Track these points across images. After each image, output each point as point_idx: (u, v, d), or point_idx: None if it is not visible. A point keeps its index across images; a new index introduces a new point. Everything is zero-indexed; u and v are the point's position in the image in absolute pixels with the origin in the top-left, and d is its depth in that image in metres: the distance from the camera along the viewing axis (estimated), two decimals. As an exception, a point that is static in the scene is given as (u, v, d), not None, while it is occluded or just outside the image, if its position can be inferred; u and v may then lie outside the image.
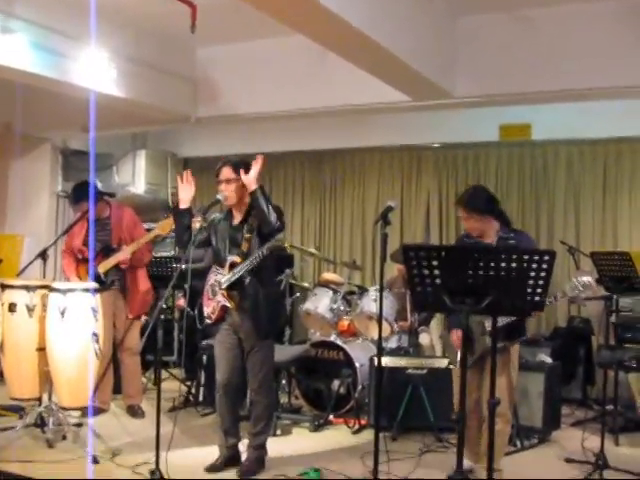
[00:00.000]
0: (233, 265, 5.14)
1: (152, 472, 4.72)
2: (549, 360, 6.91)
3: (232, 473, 5.25)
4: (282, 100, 7.38)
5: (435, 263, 3.64)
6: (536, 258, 3.76)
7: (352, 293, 8.16)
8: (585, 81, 6.39)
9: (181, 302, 8.60)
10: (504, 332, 4.64)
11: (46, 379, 5.83)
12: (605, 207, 8.52)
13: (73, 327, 5.64)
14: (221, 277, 5.20)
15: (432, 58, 6.16)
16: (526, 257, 3.76)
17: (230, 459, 5.36)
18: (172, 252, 9.31)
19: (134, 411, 6.89)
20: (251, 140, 9.61)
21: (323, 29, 5.11)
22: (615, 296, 5.92)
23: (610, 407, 6.40)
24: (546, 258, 3.78)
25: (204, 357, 7.32)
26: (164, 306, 6.26)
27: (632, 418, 6.80)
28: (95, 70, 6.42)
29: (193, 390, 7.48)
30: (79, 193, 6.67)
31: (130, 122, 8.20)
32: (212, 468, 5.27)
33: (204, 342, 7.37)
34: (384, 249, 4.40)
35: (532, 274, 3.76)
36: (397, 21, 5.50)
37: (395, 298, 7.38)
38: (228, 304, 5.16)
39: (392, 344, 7.32)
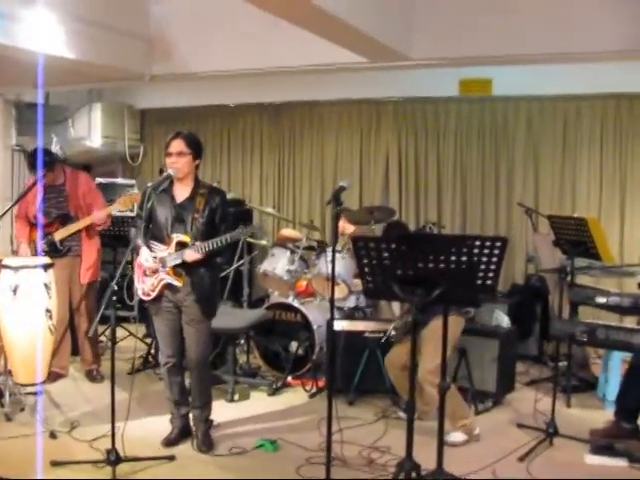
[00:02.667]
0: (181, 244, 5.06)
1: (108, 451, 4.72)
2: (505, 319, 6.98)
3: (187, 446, 5.29)
4: (237, 58, 7.20)
5: (385, 254, 3.63)
6: (488, 244, 3.76)
7: (312, 249, 8.15)
8: (546, 45, 6.31)
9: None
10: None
11: (1, 352, 5.79)
12: (564, 167, 8.55)
13: (25, 305, 5.59)
14: (163, 253, 5.08)
15: (387, 21, 6.03)
16: (477, 244, 3.76)
17: (183, 429, 5.39)
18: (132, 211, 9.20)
19: (92, 376, 6.89)
20: (209, 92, 9.51)
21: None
22: (568, 268, 5.97)
23: (563, 363, 6.53)
24: (498, 244, 3.79)
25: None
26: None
27: (584, 378, 6.92)
28: (43, 32, 6.22)
29: (152, 351, 7.47)
30: (36, 159, 6.54)
31: (83, 79, 7.96)
32: (168, 442, 5.29)
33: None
34: (336, 230, 4.38)
35: (484, 259, 3.77)
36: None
37: (353, 256, 7.37)
38: (176, 282, 5.07)
39: (350, 304, 7.33)
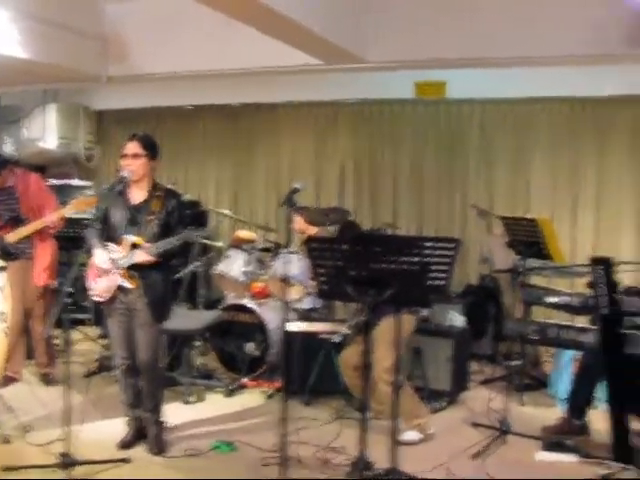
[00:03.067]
0: (134, 246, 5.03)
1: (63, 455, 4.68)
2: (459, 319, 7.07)
3: (143, 448, 5.27)
4: (193, 59, 7.25)
5: (338, 255, 3.66)
6: (440, 245, 3.81)
7: (268, 250, 8.16)
8: (501, 49, 6.43)
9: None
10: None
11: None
12: (518, 169, 8.68)
13: (-22, 308, 5.51)
14: (117, 255, 5.06)
15: (342, 24, 6.11)
16: (429, 244, 3.81)
17: (139, 431, 5.36)
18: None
19: (48, 379, 6.82)
20: (166, 93, 9.53)
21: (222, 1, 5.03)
22: (520, 268, 6.06)
23: (516, 362, 6.62)
24: (450, 245, 3.84)
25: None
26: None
27: (536, 376, 7.02)
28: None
29: (108, 353, 7.43)
30: None
31: (37, 80, 7.95)
32: (123, 444, 5.27)
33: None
34: (289, 232, 4.41)
35: (436, 260, 3.82)
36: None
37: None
38: (128, 284, 5.04)
39: (306, 305, 7.35)
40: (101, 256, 5.07)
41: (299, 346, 6.49)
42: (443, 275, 3.88)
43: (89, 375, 6.94)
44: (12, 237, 6.45)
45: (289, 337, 6.40)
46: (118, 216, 5.13)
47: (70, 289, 4.58)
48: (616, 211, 8.31)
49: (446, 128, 8.93)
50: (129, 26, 7.42)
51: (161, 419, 5.39)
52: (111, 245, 5.11)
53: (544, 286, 7.08)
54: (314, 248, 3.66)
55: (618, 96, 8.03)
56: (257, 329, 7.00)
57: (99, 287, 5.13)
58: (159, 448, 5.24)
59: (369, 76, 8.31)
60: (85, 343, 7.92)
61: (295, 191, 4.47)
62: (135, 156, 5.08)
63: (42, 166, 10.12)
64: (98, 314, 8.71)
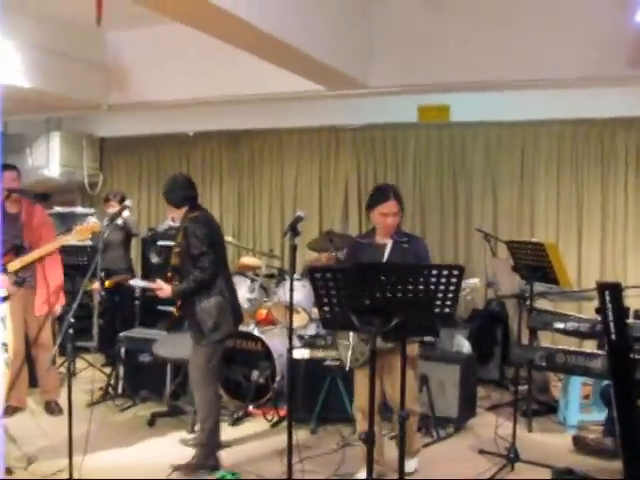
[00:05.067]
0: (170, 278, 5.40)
1: (67, 485, 4.64)
2: (466, 344, 7.00)
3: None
4: (194, 87, 7.26)
5: (342, 284, 3.61)
6: (445, 273, 3.77)
7: (272, 276, 8.13)
8: (503, 73, 6.42)
9: (95, 286, 8.47)
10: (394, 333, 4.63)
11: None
12: (522, 192, 8.63)
13: (-20, 339, 5.49)
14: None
15: (343, 49, 6.09)
16: (434, 272, 3.77)
17: None
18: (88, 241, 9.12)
19: (51, 408, 6.77)
20: (168, 120, 9.51)
21: (222, 29, 5.05)
22: (527, 293, 6.01)
23: (524, 387, 6.55)
24: (455, 273, 3.79)
25: (122, 349, 7.22)
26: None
27: (545, 401, 6.95)
28: (-1, 61, 6.19)
29: (112, 381, 7.38)
30: None
31: (41, 108, 7.96)
32: None
33: (122, 334, 7.29)
34: (293, 260, 4.37)
35: (441, 288, 3.77)
36: (302, 15, 5.43)
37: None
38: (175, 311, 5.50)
39: (311, 331, 7.32)
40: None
41: (304, 373, 6.44)
42: (449, 303, 3.83)
43: (93, 404, 6.88)
44: (12, 266, 6.42)
45: (294, 364, 6.39)
46: None
47: (71, 319, 4.51)
48: (622, 233, 8.26)
49: (450, 151, 8.90)
50: (131, 54, 7.44)
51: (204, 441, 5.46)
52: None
53: (551, 310, 7.05)
54: (317, 277, 3.61)
55: (623, 118, 8.02)
56: (262, 356, 6.94)
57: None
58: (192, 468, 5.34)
59: (372, 100, 8.31)
60: (89, 371, 7.83)
61: (299, 220, 4.45)
62: (170, 208, 5.51)
63: (46, 194, 10.10)
64: (103, 341, 8.71)
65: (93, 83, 7.35)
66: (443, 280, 3.75)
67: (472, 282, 4.75)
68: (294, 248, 4.29)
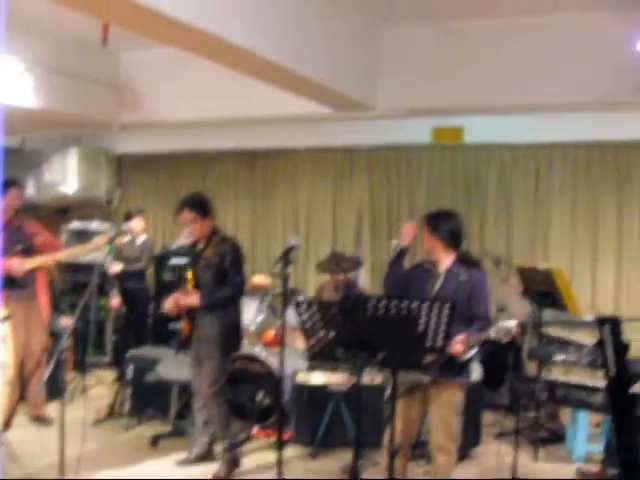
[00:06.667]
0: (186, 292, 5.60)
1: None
2: (477, 369, 6.91)
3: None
4: (205, 108, 7.27)
5: (328, 318, 3.59)
6: (437, 306, 3.75)
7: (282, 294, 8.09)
8: (516, 96, 6.38)
9: (115, 302, 8.53)
10: (437, 366, 4.49)
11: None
12: (536, 215, 8.52)
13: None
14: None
15: (351, 74, 6.09)
16: (426, 305, 3.74)
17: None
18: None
19: (42, 419, 6.77)
20: (185, 138, 9.57)
21: (228, 58, 5.09)
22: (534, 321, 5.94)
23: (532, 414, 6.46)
24: (447, 306, 3.78)
25: (130, 368, 7.22)
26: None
27: (553, 429, 6.86)
28: (10, 82, 6.23)
29: (119, 399, 7.39)
30: None
31: (55, 126, 8.03)
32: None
33: (130, 352, 7.30)
34: (285, 291, 4.34)
35: (433, 321, 3.75)
36: (307, 41, 5.45)
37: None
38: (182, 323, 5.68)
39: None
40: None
41: (307, 397, 6.41)
42: (442, 336, 3.81)
43: (98, 422, 6.90)
44: (28, 264, 6.41)
45: (299, 387, 6.36)
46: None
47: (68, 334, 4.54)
48: (637, 256, 8.12)
49: (463, 173, 8.82)
50: (144, 74, 7.48)
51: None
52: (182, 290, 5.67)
53: (562, 337, 6.96)
54: (302, 310, 3.58)
55: (636, 141, 7.91)
56: (268, 378, 6.91)
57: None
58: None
59: (386, 121, 8.28)
60: (99, 387, 7.88)
61: (291, 249, 4.43)
62: (193, 221, 5.60)
63: (64, 209, 10.22)
64: (117, 356, 8.73)
65: (105, 102, 7.39)
66: (435, 313, 3.73)
67: (509, 324, 4.60)
68: (286, 278, 4.27)
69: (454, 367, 4.65)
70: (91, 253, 6.82)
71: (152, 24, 4.31)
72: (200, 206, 5.64)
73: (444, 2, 6.10)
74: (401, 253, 4.86)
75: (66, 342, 4.68)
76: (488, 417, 7.03)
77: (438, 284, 4.70)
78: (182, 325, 5.75)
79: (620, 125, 7.67)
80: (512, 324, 4.55)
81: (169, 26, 4.28)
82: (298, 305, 3.60)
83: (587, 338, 7.20)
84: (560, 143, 8.27)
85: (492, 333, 4.55)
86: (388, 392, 4.94)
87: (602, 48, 6.10)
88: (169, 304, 5.65)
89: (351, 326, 3.58)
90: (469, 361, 4.78)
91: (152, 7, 3.99)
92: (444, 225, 4.87)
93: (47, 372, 5.37)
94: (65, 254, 6.65)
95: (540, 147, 8.42)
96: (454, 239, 4.84)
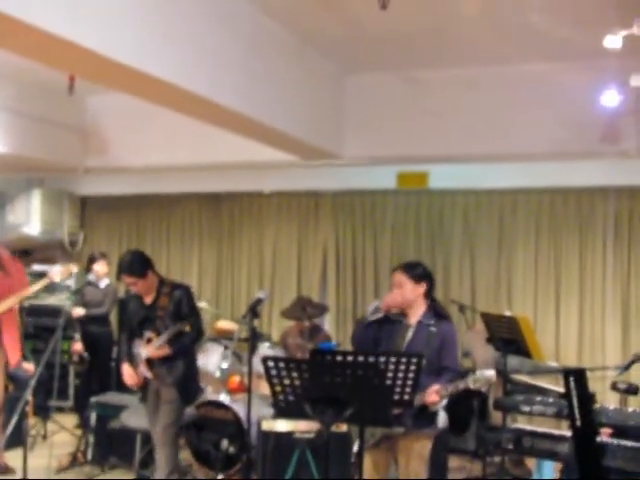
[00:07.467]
0: (149, 340, 5.63)
1: None
2: (442, 415, 6.89)
3: None
4: (171, 154, 7.29)
5: (295, 374, 3.57)
6: (404, 361, 3.77)
7: (247, 340, 8.05)
8: (476, 146, 6.46)
9: (77, 346, 8.43)
10: (410, 417, 4.46)
11: None
12: (500, 260, 8.58)
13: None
14: (140, 350, 5.68)
15: (318, 124, 6.14)
16: (393, 360, 3.76)
17: None
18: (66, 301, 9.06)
19: (3, 470, 6.63)
20: (149, 180, 9.51)
21: (194, 110, 5.11)
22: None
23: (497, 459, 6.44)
24: (414, 361, 3.80)
25: (93, 415, 7.12)
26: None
27: (519, 476, 6.85)
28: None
29: (82, 447, 7.28)
30: None
31: (19, 170, 7.97)
32: None
33: (94, 399, 7.20)
34: (253, 344, 4.33)
35: (400, 376, 3.77)
36: (272, 91, 5.47)
37: (290, 350, 7.35)
38: (148, 374, 5.67)
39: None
40: (126, 370, 5.79)
41: (273, 445, 6.33)
42: (409, 390, 3.83)
43: (61, 470, 6.79)
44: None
45: (264, 434, 6.30)
46: (137, 316, 5.79)
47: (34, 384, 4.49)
48: (601, 303, 8.20)
49: (428, 218, 8.86)
50: (109, 118, 7.48)
51: None
52: (137, 341, 5.74)
53: (528, 382, 7.01)
54: (270, 366, 3.56)
55: (599, 186, 8.03)
56: (233, 425, 6.85)
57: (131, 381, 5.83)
58: None
59: (351, 167, 8.30)
60: (62, 433, 7.75)
61: (258, 302, 4.42)
62: (134, 284, 5.64)
63: (26, 250, 10.09)
64: (79, 401, 8.59)
65: (71, 147, 7.38)
66: (402, 368, 3.74)
67: (488, 374, 4.57)
68: (253, 330, 4.26)
69: (425, 417, 4.62)
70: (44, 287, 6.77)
71: (119, 77, 4.32)
72: (136, 268, 5.64)
73: (408, 52, 6.18)
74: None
75: (30, 391, 4.63)
76: (454, 462, 7.03)
77: (409, 335, 4.64)
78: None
79: (581, 172, 7.77)
80: (491, 374, 4.53)
81: (135, 79, 4.30)
82: (265, 361, 3.58)
83: (551, 385, 7.31)
84: (523, 189, 8.35)
85: (470, 383, 4.51)
86: (355, 446, 4.94)
87: (566, 99, 6.23)
88: (132, 379, 5.79)
89: (319, 382, 3.56)
90: (437, 410, 4.75)
91: (119, 60, 4.00)
92: (425, 276, 4.81)
93: (11, 422, 5.32)
94: (25, 293, 6.58)
95: (504, 192, 8.49)
96: (430, 290, 4.82)
